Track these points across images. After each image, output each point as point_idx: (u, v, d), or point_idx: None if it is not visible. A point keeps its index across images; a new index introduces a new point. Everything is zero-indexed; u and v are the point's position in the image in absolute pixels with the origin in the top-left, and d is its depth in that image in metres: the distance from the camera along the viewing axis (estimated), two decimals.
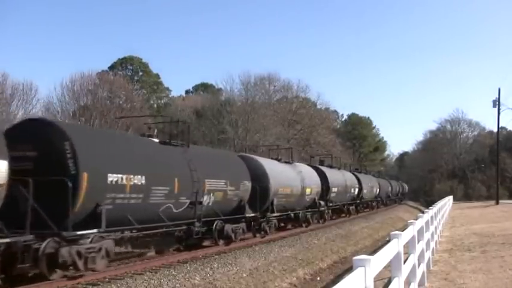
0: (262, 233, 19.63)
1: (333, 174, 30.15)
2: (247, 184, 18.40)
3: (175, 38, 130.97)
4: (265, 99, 59.54)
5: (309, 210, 25.47)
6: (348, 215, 33.57)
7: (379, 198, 47.25)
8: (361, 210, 38.38)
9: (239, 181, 17.76)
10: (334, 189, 29.35)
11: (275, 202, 20.19)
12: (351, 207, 34.66)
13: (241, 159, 19.58)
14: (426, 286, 9.88)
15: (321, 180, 26.98)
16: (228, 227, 16.68)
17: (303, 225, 24.55)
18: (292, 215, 23.37)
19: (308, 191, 24.43)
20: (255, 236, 19.30)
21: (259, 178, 19.23)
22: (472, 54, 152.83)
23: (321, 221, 27.08)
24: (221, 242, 16.52)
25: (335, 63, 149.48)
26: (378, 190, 45.97)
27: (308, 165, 28.48)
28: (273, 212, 20.14)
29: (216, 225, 16.09)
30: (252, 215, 18.41)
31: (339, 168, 34.85)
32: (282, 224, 23.42)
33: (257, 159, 20.76)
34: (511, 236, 19.12)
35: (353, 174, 37.64)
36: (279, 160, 23.85)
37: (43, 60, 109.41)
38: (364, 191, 38.17)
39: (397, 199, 62.52)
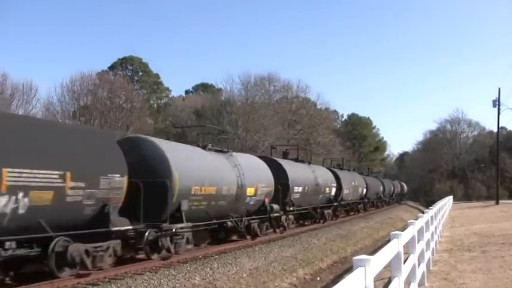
0: (164, 252, 13.43)
1: (296, 170, 23.88)
2: (118, 179, 11.72)
3: (175, 38, 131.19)
4: (265, 99, 59.61)
5: (255, 217, 19.10)
6: (322, 221, 27.35)
7: (366, 200, 41.13)
8: (340, 214, 32.12)
9: (98, 174, 11.19)
10: (298, 189, 23.23)
11: (185, 207, 14.02)
12: (326, 211, 28.17)
13: (118, 142, 13.03)
14: (426, 286, 9.88)
15: (276, 176, 20.70)
16: (75, 249, 10.36)
17: (247, 237, 18.56)
18: (229, 223, 17.23)
19: (251, 191, 18.32)
20: (149, 258, 13.18)
21: (150, 170, 13.04)
22: (472, 54, 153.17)
23: (278, 231, 20.93)
24: (66, 272, 10.33)
25: (335, 63, 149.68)
26: (365, 190, 40.12)
27: (259, 157, 22.38)
28: (180, 221, 13.89)
29: (53, 246, 9.93)
30: (129, 227, 12.02)
31: (310, 163, 28.03)
32: (223, 234, 17.91)
33: (148, 139, 14.31)
34: (511, 236, 19.13)
35: (330, 170, 31.13)
36: (204, 147, 17.28)
37: (43, 60, 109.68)
38: (345, 191, 31.95)
39: (391, 200, 58.35)
